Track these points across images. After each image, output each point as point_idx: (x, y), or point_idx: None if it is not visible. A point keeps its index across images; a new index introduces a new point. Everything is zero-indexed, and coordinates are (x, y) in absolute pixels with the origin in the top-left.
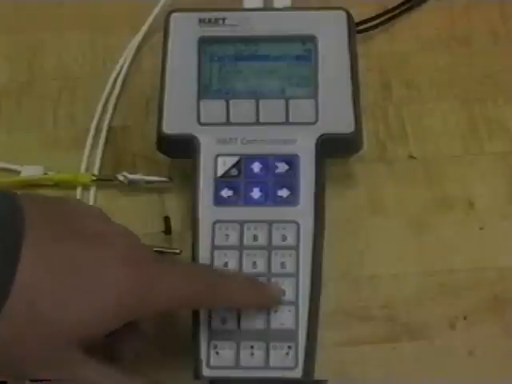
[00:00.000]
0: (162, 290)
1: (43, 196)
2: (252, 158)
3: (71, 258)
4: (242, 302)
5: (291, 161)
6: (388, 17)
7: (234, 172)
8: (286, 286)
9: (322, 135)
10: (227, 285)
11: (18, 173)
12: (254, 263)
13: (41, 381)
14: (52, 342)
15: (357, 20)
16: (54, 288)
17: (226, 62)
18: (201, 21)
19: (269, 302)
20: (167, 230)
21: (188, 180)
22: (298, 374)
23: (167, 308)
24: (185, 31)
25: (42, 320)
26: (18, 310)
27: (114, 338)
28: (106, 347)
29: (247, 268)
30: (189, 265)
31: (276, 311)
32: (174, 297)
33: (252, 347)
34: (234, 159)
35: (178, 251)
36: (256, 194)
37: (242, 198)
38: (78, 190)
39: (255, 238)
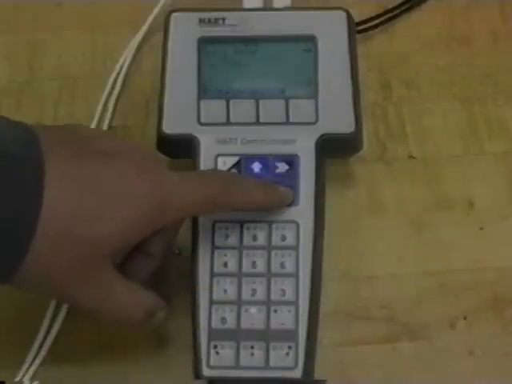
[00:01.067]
0: (179, 196)
1: (54, 125)
2: (252, 158)
3: (93, 173)
4: (255, 202)
5: (291, 161)
6: (388, 17)
7: (234, 172)
8: (286, 285)
9: (322, 135)
10: (239, 186)
11: None
12: (254, 263)
13: None
14: (87, 257)
15: (357, 20)
16: (82, 204)
17: (226, 62)
18: (201, 21)
19: (280, 200)
20: None
21: None
22: (297, 374)
23: (185, 214)
24: (185, 31)
25: (74, 236)
26: (50, 229)
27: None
28: (137, 251)
29: (247, 268)
30: (201, 171)
31: (276, 311)
32: (190, 202)
33: (252, 347)
34: (234, 159)
35: (177, 251)
36: None
37: None
38: None
39: (255, 237)
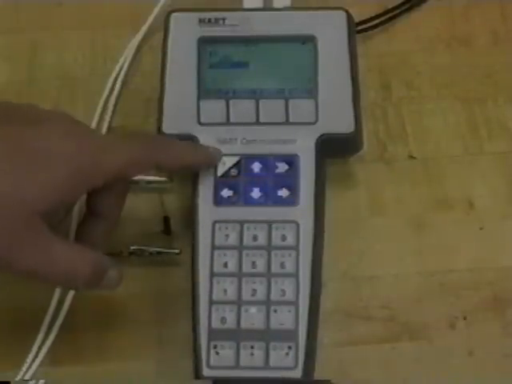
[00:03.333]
0: (108, 157)
1: None
2: (252, 158)
3: (19, 137)
4: (180, 160)
5: (291, 161)
6: (388, 17)
7: (234, 172)
8: (286, 285)
9: (322, 135)
10: (164, 146)
11: None
12: (254, 263)
13: None
14: (18, 219)
15: (356, 20)
16: (8, 167)
17: (226, 62)
18: (201, 21)
19: (206, 158)
20: (167, 230)
21: (188, 180)
22: (297, 374)
23: (114, 175)
24: (185, 31)
25: (2, 199)
26: None
27: (79, 228)
28: (75, 238)
29: (247, 268)
30: (130, 134)
31: (276, 311)
32: (121, 163)
33: (252, 347)
34: (234, 159)
35: (177, 251)
36: (256, 193)
37: (241, 197)
38: None
39: (255, 237)
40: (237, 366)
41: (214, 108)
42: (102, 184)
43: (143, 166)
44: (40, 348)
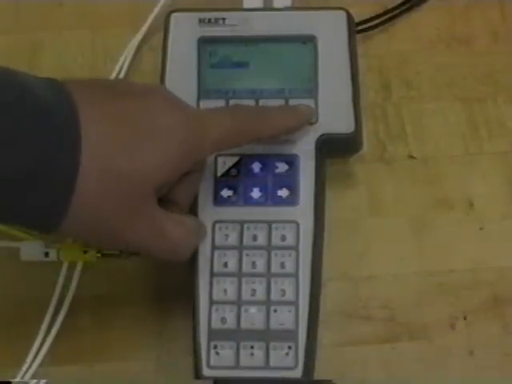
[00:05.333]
0: (212, 129)
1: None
2: (252, 158)
3: (129, 110)
4: (283, 125)
5: (291, 161)
6: (388, 17)
7: (234, 172)
8: (286, 285)
9: (322, 135)
10: (266, 116)
11: None
12: (254, 263)
13: None
14: (134, 193)
15: (357, 20)
16: (121, 140)
17: (226, 62)
18: (201, 21)
19: (303, 119)
20: None
21: None
22: (297, 374)
23: (220, 145)
24: (185, 31)
25: (118, 173)
26: (93, 168)
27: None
28: (162, 200)
29: (247, 268)
30: (227, 106)
31: (276, 311)
32: (223, 135)
33: (252, 347)
34: (234, 159)
35: None
36: (256, 193)
37: (241, 197)
38: None
39: (255, 238)
40: (237, 366)
41: None
42: (208, 154)
43: (245, 136)
44: (40, 348)
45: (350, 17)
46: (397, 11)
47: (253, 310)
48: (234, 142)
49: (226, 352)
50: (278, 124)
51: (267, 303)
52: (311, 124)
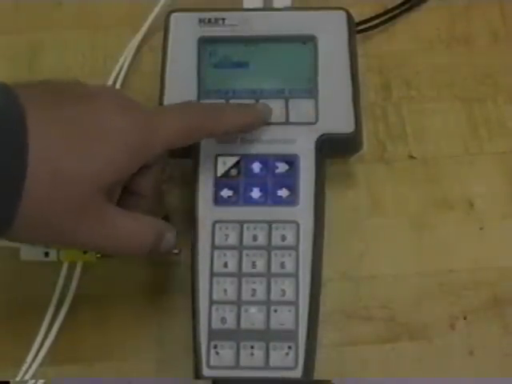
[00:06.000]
0: (162, 129)
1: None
2: (252, 158)
3: (75, 113)
4: (236, 123)
5: (291, 161)
6: (388, 17)
7: (234, 172)
8: (286, 285)
9: (322, 135)
10: (218, 113)
11: None
12: (254, 263)
13: None
14: (82, 194)
15: (357, 20)
16: (68, 143)
17: (226, 62)
18: (201, 21)
19: (258, 118)
20: None
21: (188, 180)
22: (297, 374)
23: (170, 144)
24: (185, 31)
25: (66, 175)
26: (40, 171)
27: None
28: (128, 193)
29: (247, 268)
30: (179, 103)
31: (276, 311)
32: (173, 133)
33: (252, 347)
34: (234, 159)
35: (177, 251)
36: (256, 193)
37: (241, 197)
38: None
39: (255, 237)
40: (237, 366)
41: None
42: (159, 153)
43: (195, 134)
44: (40, 348)
45: (350, 17)
46: (397, 11)
47: (253, 309)
48: (186, 139)
49: (226, 352)
50: (231, 121)
51: (267, 303)
52: (311, 124)
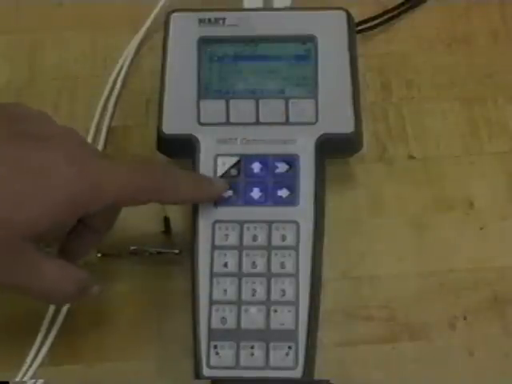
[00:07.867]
0: (108, 185)
1: None
2: (252, 158)
3: (21, 158)
4: (183, 198)
5: (291, 161)
6: (388, 17)
7: (234, 172)
8: (286, 285)
9: (322, 135)
10: (170, 182)
11: None
12: (254, 263)
13: None
14: (7, 243)
15: (356, 20)
16: (5, 187)
17: (226, 62)
18: (201, 21)
19: (210, 194)
20: (167, 230)
21: None
22: (297, 373)
23: (114, 203)
24: (185, 31)
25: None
26: None
27: (69, 236)
28: (61, 246)
29: (247, 268)
30: (134, 162)
31: (276, 311)
32: (119, 192)
33: (252, 347)
34: (234, 159)
35: (177, 251)
36: (256, 193)
37: (241, 198)
38: None
39: (255, 238)
40: (237, 366)
41: (213, 108)
42: (99, 209)
43: (143, 197)
44: (40, 348)
45: (349, 17)
46: (397, 11)
47: (253, 310)
48: (132, 200)
49: (226, 352)
50: (182, 194)
51: (267, 303)
52: (311, 124)
